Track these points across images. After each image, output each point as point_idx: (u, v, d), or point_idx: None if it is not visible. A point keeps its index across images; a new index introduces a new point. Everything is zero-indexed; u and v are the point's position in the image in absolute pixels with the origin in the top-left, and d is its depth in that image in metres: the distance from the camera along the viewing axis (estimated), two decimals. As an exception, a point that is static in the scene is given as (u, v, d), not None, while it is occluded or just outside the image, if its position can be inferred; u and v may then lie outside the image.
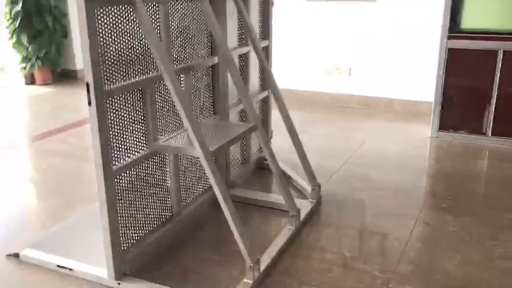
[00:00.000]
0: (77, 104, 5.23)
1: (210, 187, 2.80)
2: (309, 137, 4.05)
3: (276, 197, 2.79)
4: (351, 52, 4.83)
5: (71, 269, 2.21)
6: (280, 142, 3.44)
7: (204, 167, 2.03)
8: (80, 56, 5.41)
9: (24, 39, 5.82)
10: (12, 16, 5.73)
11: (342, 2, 4.74)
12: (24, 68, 5.97)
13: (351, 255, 2.36)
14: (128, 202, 2.17)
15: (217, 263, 2.29)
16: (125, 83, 2.02)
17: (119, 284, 2.10)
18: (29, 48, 5.87)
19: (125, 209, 2.15)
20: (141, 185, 2.25)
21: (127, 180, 2.14)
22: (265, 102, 3.40)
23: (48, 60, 5.97)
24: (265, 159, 3.39)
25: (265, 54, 3.28)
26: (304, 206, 2.76)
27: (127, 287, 2.09)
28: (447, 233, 2.54)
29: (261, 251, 2.31)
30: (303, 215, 2.65)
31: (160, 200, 2.41)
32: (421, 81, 4.57)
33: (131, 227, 2.21)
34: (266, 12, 3.23)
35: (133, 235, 2.24)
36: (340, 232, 2.58)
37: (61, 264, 2.23)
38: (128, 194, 2.17)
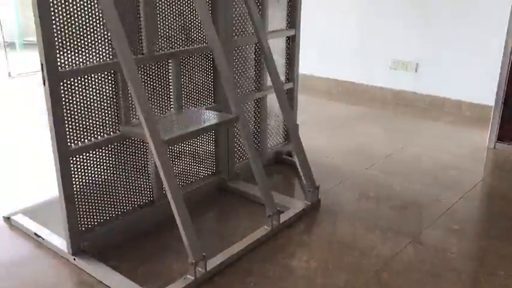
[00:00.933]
0: None
1: (205, 176, 2.78)
2: (348, 135, 3.81)
3: (276, 194, 2.66)
4: (418, 46, 4.41)
5: (43, 239, 2.33)
6: (312, 138, 3.27)
7: (154, 157, 2.00)
8: None
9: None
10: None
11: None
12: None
13: (318, 267, 2.18)
14: (92, 182, 2.22)
15: (178, 253, 2.25)
16: (85, 66, 2.05)
17: (74, 259, 2.17)
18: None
19: (88, 188, 2.20)
20: (113, 167, 2.29)
21: (92, 160, 2.19)
22: (290, 94, 3.24)
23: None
24: (287, 154, 3.30)
25: (292, 44, 3.16)
26: (295, 207, 2.60)
27: (79, 264, 2.16)
28: (439, 259, 2.23)
29: (223, 249, 2.24)
30: (288, 216, 2.51)
31: (138, 184, 2.43)
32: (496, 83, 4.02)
33: (96, 207, 2.27)
34: (293, 1, 3.07)
35: (100, 215, 2.29)
36: (320, 241, 2.40)
37: (37, 233, 2.37)
38: (93, 174, 2.22)
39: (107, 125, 2.21)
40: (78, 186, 2.16)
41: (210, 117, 2.33)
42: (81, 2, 1.99)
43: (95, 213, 2.27)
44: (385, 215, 2.63)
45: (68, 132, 2.05)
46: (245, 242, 2.29)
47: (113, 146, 2.27)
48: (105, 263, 2.15)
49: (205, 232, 2.46)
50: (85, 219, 2.23)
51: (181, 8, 2.43)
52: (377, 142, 3.67)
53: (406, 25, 4.43)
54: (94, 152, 2.19)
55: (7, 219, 2.55)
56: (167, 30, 2.38)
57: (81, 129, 2.11)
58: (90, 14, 2.03)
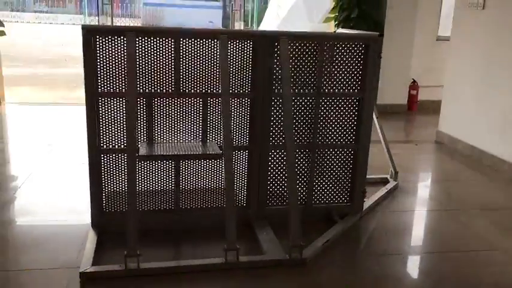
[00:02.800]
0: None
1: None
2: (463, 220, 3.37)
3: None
4: None
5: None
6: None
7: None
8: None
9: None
10: None
11: None
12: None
13: None
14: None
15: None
16: (111, 91, 2.81)
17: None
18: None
19: (109, 179, 2.94)
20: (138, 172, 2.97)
21: (118, 162, 2.92)
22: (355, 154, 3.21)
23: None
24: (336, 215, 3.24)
25: (360, 107, 3.16)
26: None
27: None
28: None
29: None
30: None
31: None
32: None
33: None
34: (369, 63, 3.06)
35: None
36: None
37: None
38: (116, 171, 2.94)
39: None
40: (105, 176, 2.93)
41: (195, 149, 2.75)
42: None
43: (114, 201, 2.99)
44: None
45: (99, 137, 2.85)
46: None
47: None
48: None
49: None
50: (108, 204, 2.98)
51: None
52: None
53: None
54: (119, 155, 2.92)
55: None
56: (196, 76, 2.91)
57: (108, 136, 2.88)
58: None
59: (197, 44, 2.86)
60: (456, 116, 5.17)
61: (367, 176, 3.95)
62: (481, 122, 4.75)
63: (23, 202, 3.42)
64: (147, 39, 2.80)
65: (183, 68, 2.88)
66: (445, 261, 2.86)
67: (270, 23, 11.48)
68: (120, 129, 2.89)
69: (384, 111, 6.62)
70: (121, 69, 2.81)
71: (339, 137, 3.18)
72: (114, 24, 12.81)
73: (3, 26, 5.98)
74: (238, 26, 17.37)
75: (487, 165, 4.54)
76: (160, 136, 2.95)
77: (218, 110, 2.99)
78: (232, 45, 2.89)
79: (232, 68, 2.92)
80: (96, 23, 15.24)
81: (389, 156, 4.01)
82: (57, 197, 3.49)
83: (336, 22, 6.65)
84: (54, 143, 4.73)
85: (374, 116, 3.88)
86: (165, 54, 2.84)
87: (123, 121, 2.87)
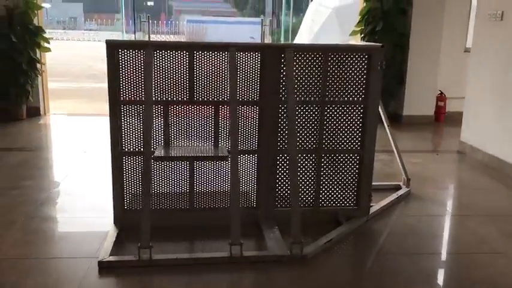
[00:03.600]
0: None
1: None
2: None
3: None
4: None
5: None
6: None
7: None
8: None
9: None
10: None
11: None
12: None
13: None
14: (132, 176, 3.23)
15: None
16: (130, 99, 3.10)
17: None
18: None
19: (130, 180, 3.23)
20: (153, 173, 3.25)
21: (138, 164, 3.21)
22: (361, 159, 3.37)
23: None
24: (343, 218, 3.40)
25: (364, 114, 3.33)
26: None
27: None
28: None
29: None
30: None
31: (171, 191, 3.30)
32: None
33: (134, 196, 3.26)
34: (372, 73, 3.24)
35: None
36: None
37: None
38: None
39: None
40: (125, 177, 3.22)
41: (203, 152, 2.99)
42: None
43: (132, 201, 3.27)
44: None
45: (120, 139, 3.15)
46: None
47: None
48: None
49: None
50: (128, 202, 3.26)
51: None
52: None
53: None
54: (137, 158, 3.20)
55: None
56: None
57: (129, 139, 3.17)
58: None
59: (209, 56, 3.13)
60: (477, 126, 5.21)
61: (380, 183, 4.11)
62: (501, 131, 4.78)
63: (58, 200, 3.79)
64: (164, 52, 3.09)
65: (197, 78, 3.15)
66: (446, 262, 2.97)
67: (303, 37, 11.74)
68: (139, 134, 3.18)
69: (411, 122, 6.73)
70: (140, 80, 3.11)
71: (344, 143, 3.36)
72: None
73: (48, 42, 6.49)
74: (267, 40, 17.69)
75: (508, 175, 4.56)
76: (176, 140, 3.23)
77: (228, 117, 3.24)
78: (242, 57, 3.14)
79: (241, 77, 3.16)
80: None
81: (401, 163, 4.13)
82: (87, 196, 3.82)
83: (362, 35, 6.81)
84: (89, 149, 5.12)
85: (385, 125, 4.05)
86: (180, 66, 3.12)
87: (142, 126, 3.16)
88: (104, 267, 2.74)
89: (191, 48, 3.12)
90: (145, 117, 2.90)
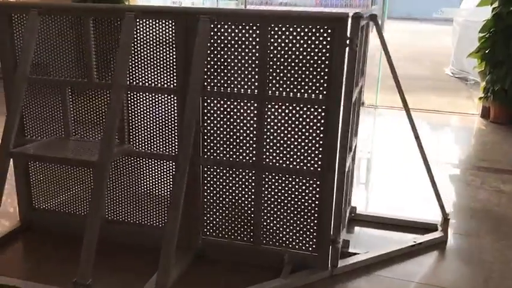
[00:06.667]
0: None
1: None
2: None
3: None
4: None
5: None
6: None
7: None
8: None
9: (488, 68, 5.22)
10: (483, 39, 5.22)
11: None
12: (481, 98, 5.38)
13: None
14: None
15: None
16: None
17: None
18: (488, 78, 5.21)
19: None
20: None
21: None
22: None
23: (499, 95, 5.09)
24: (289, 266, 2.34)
25: (325, 120, 2.19)
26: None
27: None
28: None
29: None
30: None
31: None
32: None
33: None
34: (336, 57, 2.07)
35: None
36: None
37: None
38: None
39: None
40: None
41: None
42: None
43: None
44: None
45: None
46: None
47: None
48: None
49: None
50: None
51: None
52: None
53: None
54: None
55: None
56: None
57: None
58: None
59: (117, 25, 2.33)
60: None
61: (405, 219, 2.90)
62: None
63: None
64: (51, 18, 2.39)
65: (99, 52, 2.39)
66: None
67: None
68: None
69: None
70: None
71: (293, 159, 2.25)
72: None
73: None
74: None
75: None
76: (87, 132, 2.54)
77: (140, 108, 2.43)
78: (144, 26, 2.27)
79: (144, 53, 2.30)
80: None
81: (435, 194, 2.75)
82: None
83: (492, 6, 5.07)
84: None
85: (413, 135, 2.74)
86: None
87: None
88: None
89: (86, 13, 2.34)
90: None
